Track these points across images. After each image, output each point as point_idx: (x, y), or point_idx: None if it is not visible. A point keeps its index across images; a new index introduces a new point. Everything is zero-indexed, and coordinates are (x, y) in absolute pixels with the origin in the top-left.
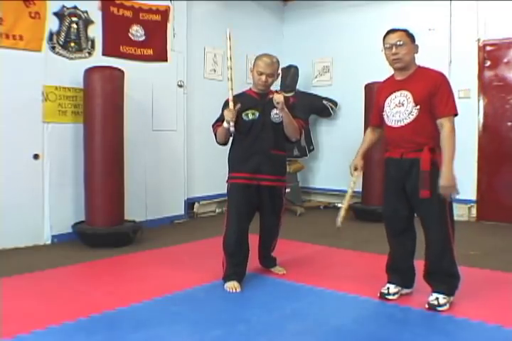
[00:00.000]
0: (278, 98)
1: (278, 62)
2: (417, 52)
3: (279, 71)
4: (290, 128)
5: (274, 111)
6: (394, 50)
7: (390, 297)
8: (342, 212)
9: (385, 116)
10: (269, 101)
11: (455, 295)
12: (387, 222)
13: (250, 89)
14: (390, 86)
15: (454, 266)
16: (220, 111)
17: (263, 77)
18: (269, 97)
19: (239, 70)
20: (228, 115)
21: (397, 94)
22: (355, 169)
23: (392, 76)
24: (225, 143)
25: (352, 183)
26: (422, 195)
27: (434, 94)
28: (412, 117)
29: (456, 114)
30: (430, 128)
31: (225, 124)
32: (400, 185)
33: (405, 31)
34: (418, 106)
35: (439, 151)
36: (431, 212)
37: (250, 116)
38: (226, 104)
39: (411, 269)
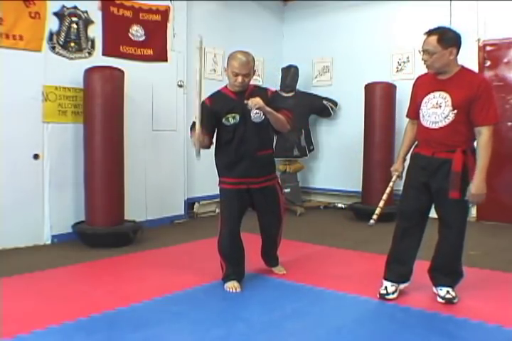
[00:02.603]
0: (257, 103)
1: (253, 59)
2: (453, 55)
3: (255, 68)
4: (279, 125)
5: (254, 110)
6: (423, 56)
7: (390, 296)
8: (377, 211)
9: (421, 115)
10: (247, 99)
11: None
12: (403, 214)
13: (226, 87)
14: (429, 83)
15: (461, 264)
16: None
17: (239, 78)
18: (246, 96)
19: None
20: (194, 141)
21: (436, 94)
22: (396, 172)
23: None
24: (209, 143)
25: (391, 183)
26: (451, 195)
27: (474, 100)
28: (447, 121)
29: (497, 122)
30: (465, 132)
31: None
32: (424, 181)
33: (438, 35)
34: (455, 111)
35: (471, 154)
36: (455, 213)
37: (231, 121)
38: (202, 107)
39: (412, 261)
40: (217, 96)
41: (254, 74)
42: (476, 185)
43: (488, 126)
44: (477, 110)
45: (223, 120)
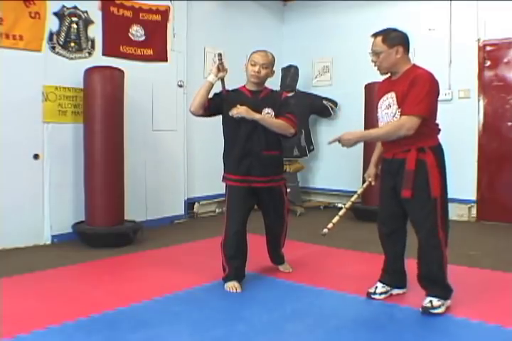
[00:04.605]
0: (238, 113)
1: (273, 57)
2: (400, 54)
3: (274, 68)
4: (274, 129)
5: (266, 110)
6: (372, 57)
7: (376, 296)
8: (335, 220)
9: (378, 118)
10: (261, 99)
11: (451, 298)
12: (380, 220)
13: (244, 85)
14: (384, 86)
15: (441, 271)
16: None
17: (256, 68)
18: (261, 96)
19: (239, 71)
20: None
21: (388, 95)
22: (369, 178)
23: (391, 75)
24: (200, 113)
25: (360, 190)
26: (403, 194)
27: (408, 92)
28: (395, 120)
29: (421, 116)
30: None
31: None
32: (391, 185)
33: (383, 35)
34: (400, 109)
35: (431, 151)
36: (417, 214)
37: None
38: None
39: (400, 270)
40: (234, 90)
41: (272, 74)
42: (353, 133)
43: (409, 117)
44: (406, 100)
45: (230, 111)
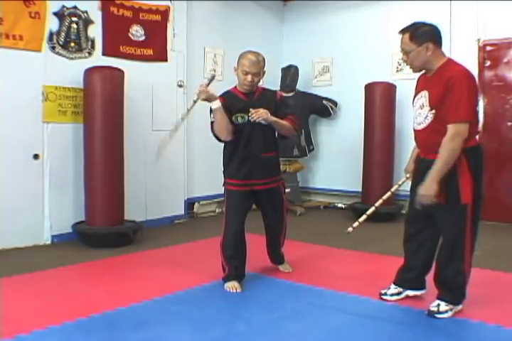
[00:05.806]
0: (260, 116)
1: (264, 59)
2: (430, 51)
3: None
4: (284, 131)
5: (258, 120)
6: (403, 56)
7: (387, 298)
8: (362, 218)
9: (413, 117)
10: (256, 101)
11: (462, 303)
12: (406, 220)
13: (236, 87)
14: (421, 83)
15: (460, 278)
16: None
17: (249, 77)
18: (256, 97)
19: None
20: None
21: (423, 93)
22: (407, 174)
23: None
24: (227, 137)
25: (394, 188)
26: (436, 200)
27: (445, 95)
28: (427, 122)
29: (468, 121)
30: (446, 132)
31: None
32: (418, 184)
33: (410, 32)
34: (433, 111)
35: (461, 154)
36: (444, 219)
37: (240, 120)
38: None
39: (419, 268)
40: (228, 95)
41: (263, 75)
42: (425, 184)
43: (455, 124)
44: (447, 106)
45: (233, 118)
